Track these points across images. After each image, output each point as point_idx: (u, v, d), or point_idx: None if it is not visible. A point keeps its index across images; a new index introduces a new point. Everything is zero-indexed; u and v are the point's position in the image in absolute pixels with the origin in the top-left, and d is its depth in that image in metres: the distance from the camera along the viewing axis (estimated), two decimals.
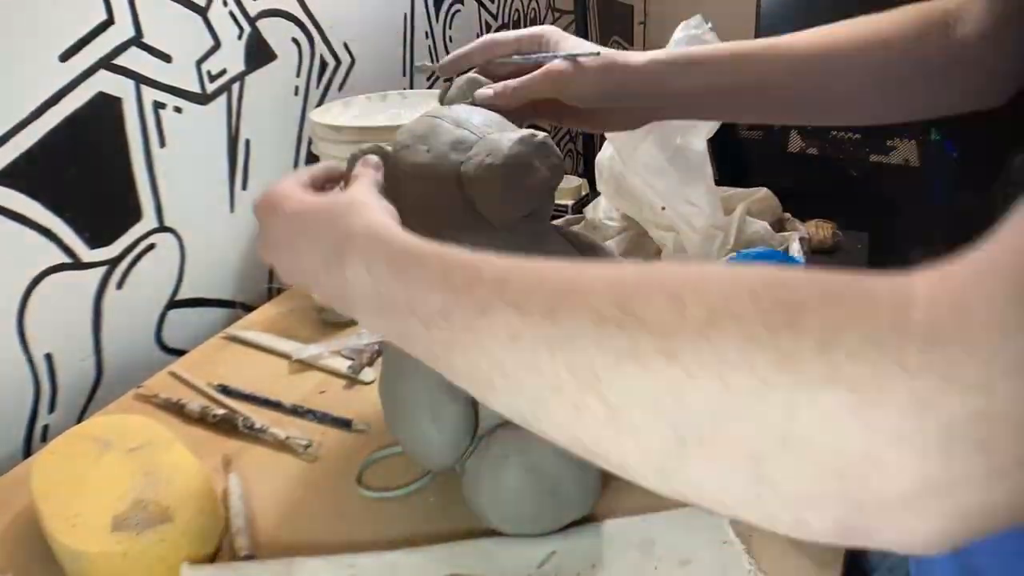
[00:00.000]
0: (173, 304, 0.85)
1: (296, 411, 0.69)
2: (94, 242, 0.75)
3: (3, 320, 0.68)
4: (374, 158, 0.50)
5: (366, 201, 0.41)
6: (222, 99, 0.87)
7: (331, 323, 0.84)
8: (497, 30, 1.46)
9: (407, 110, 0.97)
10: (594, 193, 1.12)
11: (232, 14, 0.87)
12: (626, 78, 0.57)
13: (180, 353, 0.82)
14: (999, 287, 0.21)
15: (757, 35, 1.48)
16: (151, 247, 0.81)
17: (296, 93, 0.98)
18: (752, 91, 0.59)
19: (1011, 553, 0.42)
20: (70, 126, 0.71)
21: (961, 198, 1.35)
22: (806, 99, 0.60)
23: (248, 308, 0.92)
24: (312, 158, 0.99)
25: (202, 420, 0.68)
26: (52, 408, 0.73)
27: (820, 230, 1.30)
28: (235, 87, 0.88)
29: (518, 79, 0.57)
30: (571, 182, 1.31)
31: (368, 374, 0.74)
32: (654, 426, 0.25)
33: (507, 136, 0.53)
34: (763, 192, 0.88)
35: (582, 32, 1.45)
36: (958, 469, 0.21)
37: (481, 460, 0.53)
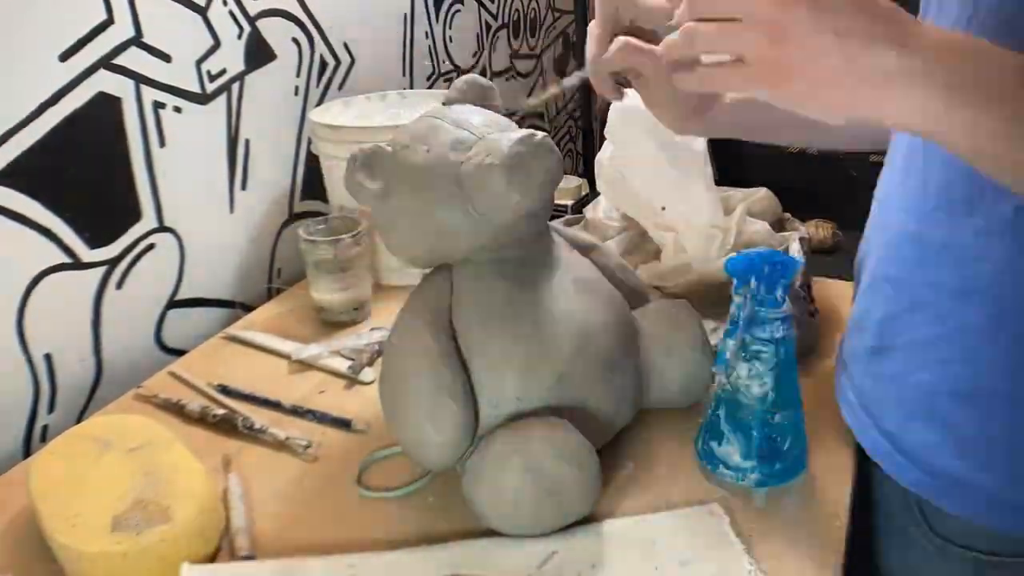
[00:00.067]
0: (173, 304, 0.85)
1: (296, 411, 0.69)
2: (94, 242, 0.75)
3: (3, 320, 0.68)
4: None
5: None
6: (222, 99, 0.87)
7: (331, 323, 0.84)
8: (497, 30, 1.46)
9: (407, 110, 0.97)
10: (594, 193, 1.12)
11: (232, 14, 0.87)
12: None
13: (180, 353, 0.82)
14: None
15: None
16: (151, 247, 0.81)
17: (296, 93, 0.98)
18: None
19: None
20: (70, 126, 0.71)
21: None
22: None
23: (248, 308, 0.92)
24: (312, 158, 0.99)
25: (202, 420, 0.68)
26: (52, 408, 0.73)
27: (820, 230, 1.30)
28: (235, 87, 0.88)
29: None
30: (571, 182, 1.31)
31: (368, 374, 0.74)
32: None
33: (507, 136, 0.53)
34: (763, 192, 0.88)
35: (582, 32, 1.45)
36: None
37: (481, 460, 0.53)
